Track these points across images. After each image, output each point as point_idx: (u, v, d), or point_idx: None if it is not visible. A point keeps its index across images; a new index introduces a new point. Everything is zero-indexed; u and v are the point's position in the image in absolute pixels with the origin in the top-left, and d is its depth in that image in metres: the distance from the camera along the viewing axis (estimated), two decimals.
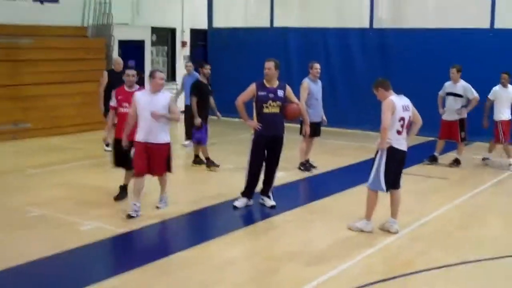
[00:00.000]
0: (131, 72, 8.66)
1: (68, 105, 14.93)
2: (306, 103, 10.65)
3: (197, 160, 11.36)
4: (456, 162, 11.82)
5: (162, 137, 7.97)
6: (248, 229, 8.02)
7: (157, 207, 8.31)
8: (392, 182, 7.55)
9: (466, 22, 14.63)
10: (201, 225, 8.34)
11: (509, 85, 11.56)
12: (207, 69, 11.28)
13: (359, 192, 8.72)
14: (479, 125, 13.47)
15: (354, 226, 7.68)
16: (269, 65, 8.49)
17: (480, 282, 6.31)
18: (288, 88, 8.61)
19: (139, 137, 7.94)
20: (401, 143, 7.51)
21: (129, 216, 7.88)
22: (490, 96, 11.64)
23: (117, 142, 8.56)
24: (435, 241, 7.48)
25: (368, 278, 6.18)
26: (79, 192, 9.25)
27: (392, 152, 7.42)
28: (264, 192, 8.80)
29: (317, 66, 11.01)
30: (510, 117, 11.63)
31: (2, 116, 13.75)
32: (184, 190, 10.20)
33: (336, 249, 7.11)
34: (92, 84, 14.71)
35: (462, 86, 11.59)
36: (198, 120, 10.86)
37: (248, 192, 8.66)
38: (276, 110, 8.45)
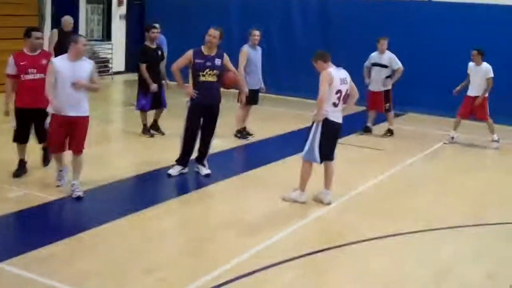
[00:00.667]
0: (39, 34, 7.88)
1: None
2: (245, 70, 10.56)
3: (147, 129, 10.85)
4: (390, 132, 12.01)
5: (85, 109, 7.29)
6: (183, 198, 7.91)
7: (78, 197, 7.33)
8: (327, 154, 7.58)
9: None
10: (135, 193, 8.19)
11: (483, 64, 11.34)
12: (154, 32, 10.72)
13: (295, 162, 8.73)
14: (412, 95, 13.82)
15: (288, 197, 7.69)
16: (215, 33, 8.27)
17: (411, 252, 6.45)
18: (225, 56, 8.46)
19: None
20: (337, 116, 7.53)
21: (57, 186, 7.61)
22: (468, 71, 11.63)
23: (21, 113, 7.77)
24: (369, 212, 7.58)
25: (301, 249, 6.22)
26: (4, 157, 8.87)
27: (328, 124, 7.43)
28: (199, 160, 8.70)
29: (257, 33, 10.89)
30: (475, 94, 11.43)
31: None
32: (117, 156, 10.01)
33: (270, 219, 7.12)
34: (23, 42, 14.11)
35: (388, 57, 11.72)
36: (153, 86, 10.41)
37: (182, 159, 8.54)
38: (213, 78, 8.30)
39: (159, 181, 8.45)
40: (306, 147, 7.55)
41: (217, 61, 8.32)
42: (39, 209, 7.01)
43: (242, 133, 11.06)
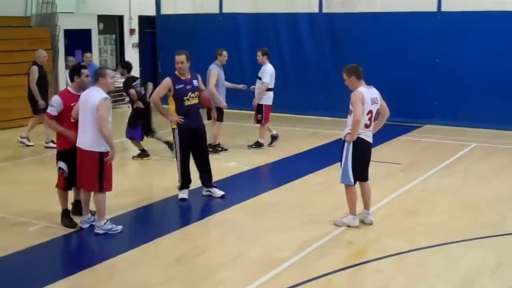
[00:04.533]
0: (87, 71, 7.48)
1: (13, 98, 14.45)
2: (215, 89, 10.97)
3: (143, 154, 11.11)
4: (256, 145, 11.86)
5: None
6: (198, 225, 7.81)
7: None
8: (360, 174, 7.42)
9: (414, 6, 14.69)
10: (149, 222, 8.14)
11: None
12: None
13: (309, 182, 8.67)
14: (427, 107, 13.81)
15: (340, 222, 7.51)
16: (181, 58, 8.32)
17: (432, 268, 6.34)
18: (199, 77, 8.64)
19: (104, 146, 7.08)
20: (368, 135, 7.34)
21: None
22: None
23: (67, 154, 7.33)
24: (387, 228, 7.49)
25: (321, 269, 6.16)
26: (24, 191, 8.96)
27: (358, 143, 7.25)
28: (208, 183, 8.67)
29: (226, 53, 11.27)
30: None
31: None
32: (131, 184, 9.98)
33: (287, 241, 7.02)
34: None
35: (263, 69, 11.64)
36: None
37: (185, 184, 8.57)
38: (196, 100, 8.46)
39: (172, 208, 8.45)
40: (341, 170, 7.38)
41: (195, 82, 8.47)
42: (58, 242, 7.06)
43: (216, 148, 11.32)
